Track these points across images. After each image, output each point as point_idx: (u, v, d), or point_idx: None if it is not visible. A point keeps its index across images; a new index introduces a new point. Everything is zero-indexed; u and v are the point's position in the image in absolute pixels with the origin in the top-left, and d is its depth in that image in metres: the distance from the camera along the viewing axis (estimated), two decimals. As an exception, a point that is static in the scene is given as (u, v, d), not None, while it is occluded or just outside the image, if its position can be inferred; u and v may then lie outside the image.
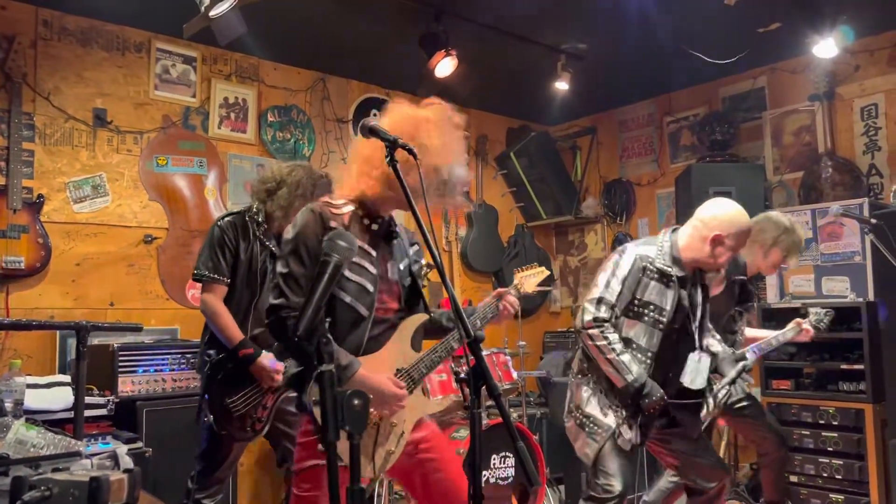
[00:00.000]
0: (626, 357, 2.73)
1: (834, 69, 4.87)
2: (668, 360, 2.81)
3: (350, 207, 2.10)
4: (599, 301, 2.78)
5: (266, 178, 3.11)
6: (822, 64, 4.78)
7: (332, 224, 2.03)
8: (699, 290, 2.90)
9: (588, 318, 2.77)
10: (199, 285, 3.02)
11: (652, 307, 2.79)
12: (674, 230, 2.92)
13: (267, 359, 2.87)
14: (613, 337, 2.75)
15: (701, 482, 2.98)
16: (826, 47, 4.40)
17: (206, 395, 2.94)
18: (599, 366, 2.78)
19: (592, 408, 2.83)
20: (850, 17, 4.28)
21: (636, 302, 2.80)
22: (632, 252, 2.84)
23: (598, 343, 2.74)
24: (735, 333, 3.61)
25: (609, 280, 2.81)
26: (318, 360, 1.39)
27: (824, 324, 3.55)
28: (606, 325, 2.75)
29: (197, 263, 2.99)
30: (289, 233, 2.06)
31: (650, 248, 2.86)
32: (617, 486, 2.77)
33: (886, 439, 3.89)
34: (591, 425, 2.82)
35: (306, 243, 2.00)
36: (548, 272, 2.60)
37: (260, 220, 3.05)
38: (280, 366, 2.88)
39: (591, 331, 2.75)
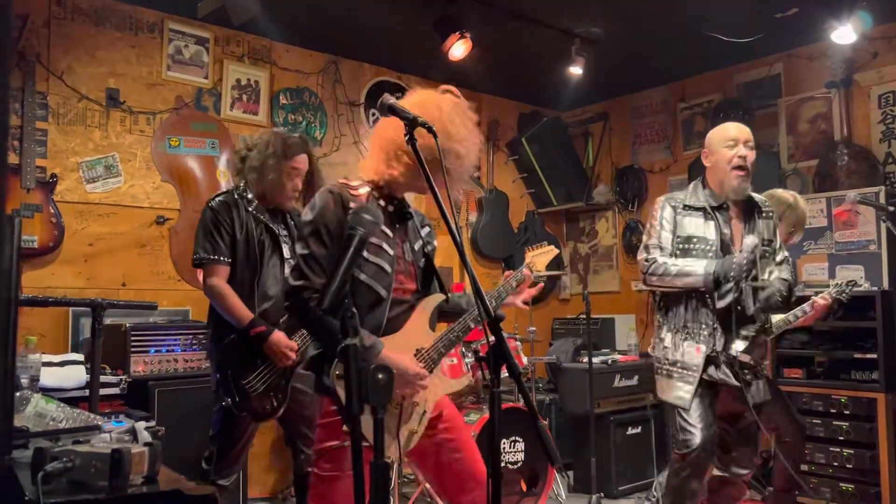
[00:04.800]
0: (684, 260, 2.85)
1: (851, 56, 4.81)
2: None
3: (367, 188, 2.11)
4: (647, 248, 2.95)
5: (238, 148, 3.11)
6: (840, 51, 4.73)
7: (352, 205, 2.03)
8: (737, 220, 2.97)
9: (641, 263, 2.92)
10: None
11: (695, 240, 2.90)
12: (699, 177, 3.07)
13: (279, 336, 2.86)
14: (666, 258, 2.88)
15: (735, 468, 3.05)
16: (844, 34, 4.35)
17: (220, 378, 2.91)
18: (677, 289, 2.88)
19: (678, 353, 2.92)
20: (868, 4, 4.23)
21: (679, 239, 2.92)
22: (662, 199, 3.01)
23: (658, 272, 2.86)
24: None
25: (650, 230, 2.98)
26: (342, 333, 1.38)
27: (846, 295, 3.50)
28: (657, 256, 2.89)
29: (195, 249, 2.95)
30: (308, 214, 2.06)
31: (679, 193, 3.05)
32: (696, 439, 2.84)
33: (899, 428, 3.88)
34: (681, 370, 2.90)
35: (326, 224, 2.00)
36: (557, 251, 2.59)
37: (250, 196, 3.02)
38: (294, 343, 2.88)
39: (648, 269, 2.88)
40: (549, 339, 6.08)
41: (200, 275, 3.02)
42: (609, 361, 4.77)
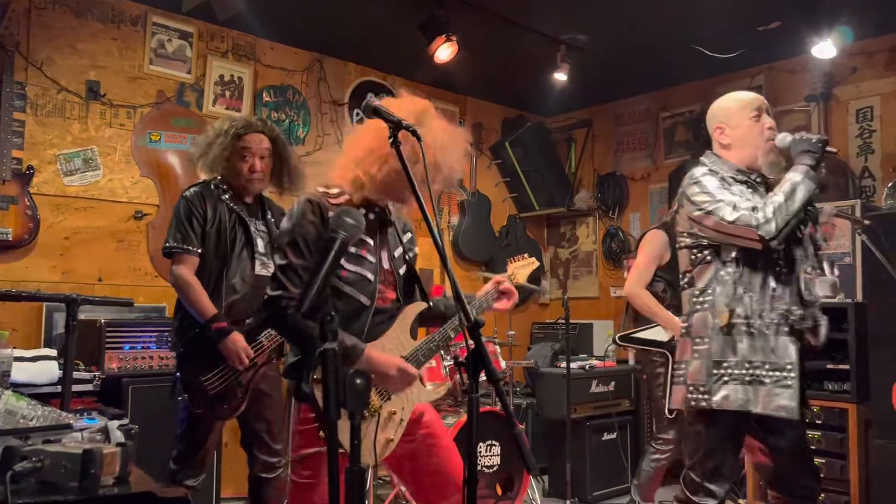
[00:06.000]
0: (781, 187, 2.30)
1: (831, 70, 4.89)
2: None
3: (346, 196, 2.08)
4: (735, 207, 2.31)
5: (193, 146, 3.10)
6: (820, 65, 4.80)
7: (331, 214, 2.01)
8: None
9: (750, 219, 2.27)
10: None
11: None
12: (706, 156, 2.58)
13: (237, 337, 2.78)
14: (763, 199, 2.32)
15: (798, 491, 2.50)
16: (824, 48, 4.42)
17: (181, 374, 2.85)
18: (799, 214, 2.28)
19: (763, 351, 2.32)
20: (849, 19, 4.29)
21: None
22: (696, 173, 2.48)
23: (775, 212, 2.25)
24: None
25: (712, 197, 2.36)
26: (321, 337, 1.37)
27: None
28: (754, 203, 2.31)
29: (166, 237, 2.90)
30: (286, 223, 2.04)
31: (703, 168, 2.50)
32: (720, 490, 2.36)
33: (870, 439, 3.93)
34: (773, 373, 2.31)
35: (304, 234, 1.98)
36: (538, 263, 2.57)
37: (224, 187, 2.97)
38: (250, 350, 2.80)
39: (764, 218, 2.26)
40: (528, 343, 6.10)
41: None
42: (587, 367, 4.79)
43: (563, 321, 4.40)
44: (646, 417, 5.06)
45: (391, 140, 1.79)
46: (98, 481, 1.43)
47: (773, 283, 2.36)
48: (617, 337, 3.98)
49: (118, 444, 1.54)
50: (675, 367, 2.54)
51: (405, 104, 2.06)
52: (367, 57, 5.35)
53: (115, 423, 1.84)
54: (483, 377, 1.57)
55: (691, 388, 2.42)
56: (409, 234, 2.28)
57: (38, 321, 3.88)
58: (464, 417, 3.89)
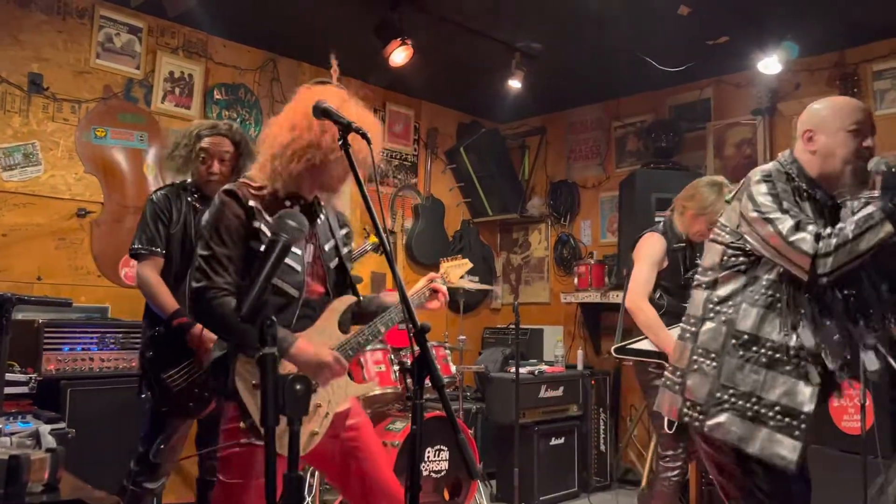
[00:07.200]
0: (855, 216, 1.99)
1: (776, 86, 5.03)
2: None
3: (267, 189, 2.06)
4: (797, 226, 2.00)
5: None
6: (766, 80, 4.93)
7: (251, 203, 2.01)
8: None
9: (807, 244, 1.97)
10: (133, 262, 3.01)
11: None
12: (785, 156, 2.25)
13: (201, 328, 2.77)
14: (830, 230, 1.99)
15: None
16: (770, 64, 4.55)
17: (143, 372, 2.88)
18: (861, 260, 1.97)
19: (778, 390, 2.02)
20: (793, 37, 4.43)
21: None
22: (771, 165, 2.20)
23: (840, 244, 1.95)
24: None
25: (773, 196, 2.08)
26: (261, 341, 1.35)
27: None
28: (814, 227, 2.01)
29: (133, 240, 2.98)
30: (206, 215, 2.04)
31: (764, 173, 2.17)
32: None
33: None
34: (781, 417, 2.00)
35: (227, 224, 1.98)
36: (470, 264, 2.59)
37: (192, 189, 3.04)
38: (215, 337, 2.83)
39: (822, 249, 1.96)
40: (480, 347, 6.11)
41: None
42: (536, 372, 4.83)
43: (514, 326, 4.42)
44: (593, 423, 5.12)
45: (341, 142, 1.78)
46: (25, 488, 1.38)
47: (811, 321, 2.06)
48: (613, 349, 3.57)
49: (48, 450, 1.49)
50: (670, 370, 2.27)
51: (328, 93, 2.03)
52: (320, 58, 5.28)
53: (48, 427, 1.78)
54: (429, 383, 1.57)
55: (689, 404, 2.16)
56: (346, 229, 2.28)
57: (-28, 321, 3.74)
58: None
